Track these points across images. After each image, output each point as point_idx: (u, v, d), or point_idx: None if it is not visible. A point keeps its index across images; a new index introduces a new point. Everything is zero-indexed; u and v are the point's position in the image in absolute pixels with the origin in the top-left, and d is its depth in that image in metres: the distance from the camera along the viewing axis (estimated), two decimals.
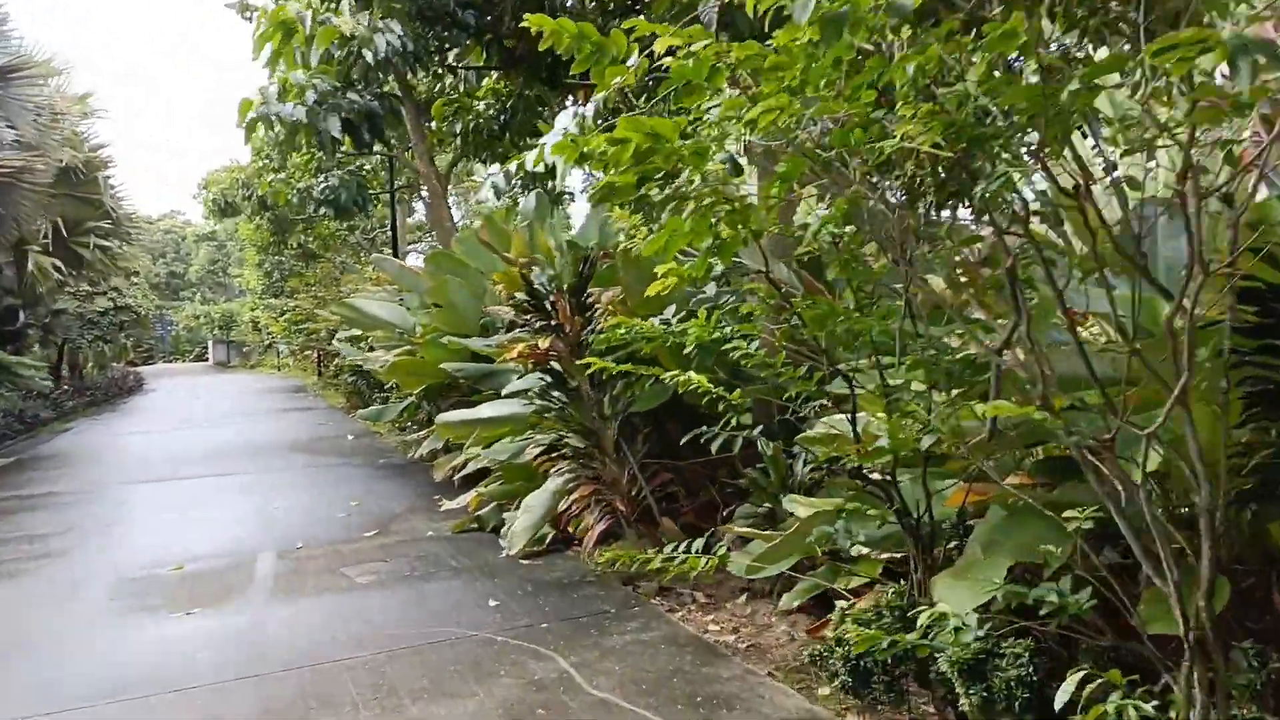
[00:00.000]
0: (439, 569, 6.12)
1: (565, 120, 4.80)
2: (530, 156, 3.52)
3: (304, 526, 7.73)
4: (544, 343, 5.24)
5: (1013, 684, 3.07)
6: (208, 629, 5.09)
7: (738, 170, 3.35)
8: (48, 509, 9.12)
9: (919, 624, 2.87)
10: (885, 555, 4.38)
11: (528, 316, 5.52)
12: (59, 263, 18.95)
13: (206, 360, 52.51)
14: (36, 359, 24.20)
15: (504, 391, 6.70)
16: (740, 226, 3.42)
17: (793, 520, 4.93)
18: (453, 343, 8.31)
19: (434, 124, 12.21)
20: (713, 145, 2.92)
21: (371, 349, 12.36)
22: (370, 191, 14.31)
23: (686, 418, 6.88)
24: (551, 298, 5.46)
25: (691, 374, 3.94)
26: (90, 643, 4.97)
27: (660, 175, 3.08)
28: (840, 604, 3.79)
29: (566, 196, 14.24)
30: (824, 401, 4.81)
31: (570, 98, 10.20)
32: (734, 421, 3.86)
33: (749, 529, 5.20)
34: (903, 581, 4.41)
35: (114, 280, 26.02)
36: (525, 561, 6.17)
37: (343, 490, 9.41)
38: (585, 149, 3.03)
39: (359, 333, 13.15)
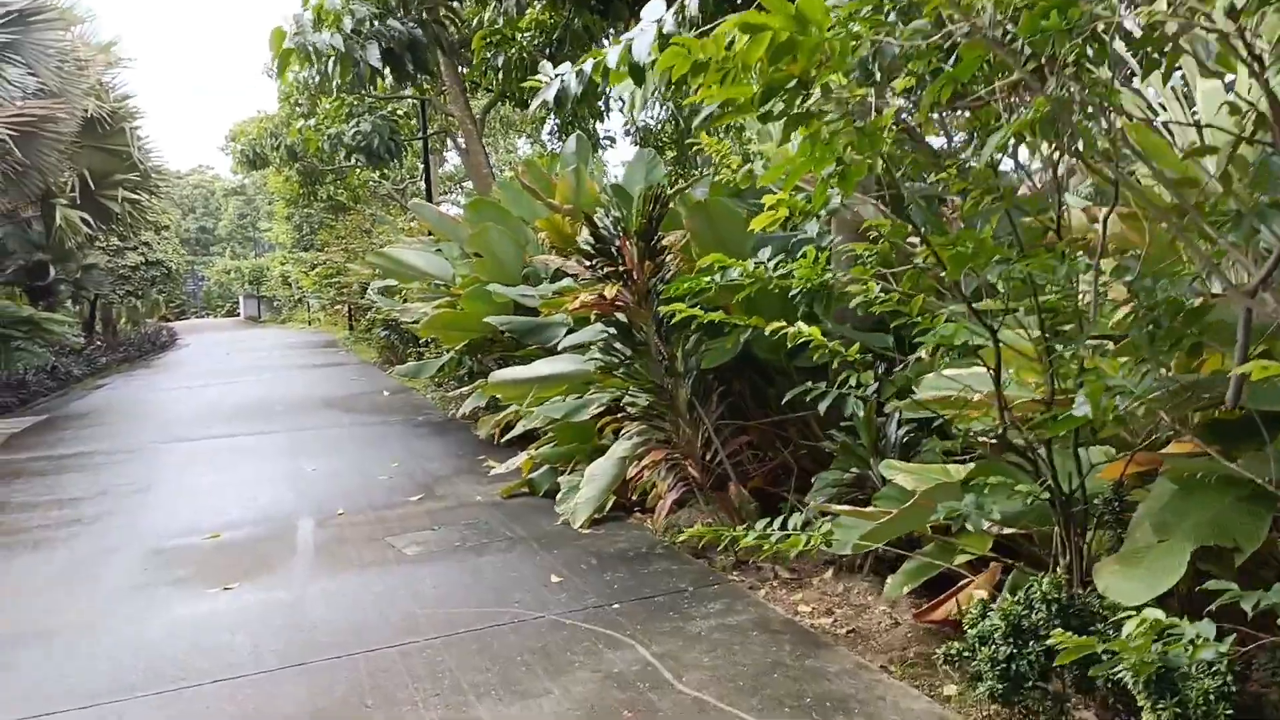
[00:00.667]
0: (492, 539, 5.65)
1: (656, 9, 4.12)
2: (613, 54, 2.94)
3: (343, 490, 7.29)
4: (610, 291, 4.70)
5: (1211, 697, 2.53)
6: (246, 607, 4.65)
7: (868, 78, 2.77)
8: (79, 470, 8.76)
9: (1130, 633, 2.33)
10: (994, 530, 3.86)
11: (590, 263, 4.97)
12: (87, 216, 18.59)
13: (238, 315, 52.50)
14: (69, 315, 24.05)
15: (560, 346, 6.16)
16: (868, 150, 2.85)
17: (891, 489, 4.41)
18: (498, 294, 7.79)
19: (470, 66, 11.59)
20: (866, 34, 2.32)
21: (406, 301, 11.88)
22: (402, 138, 13.76)
23: (756, 375, 6.35)
24: (617, 242, 4.91)
25: (802, 326, 3.38)
26: (119, 623, 4.54)
27: (790, 85, 2.50)
28: (976, 593, 3.26)
29: (606, 141, 13.64)
30: (919, 355, 4.27)
31: (621, 28, 9.52)
32: (852, 380, 3.31)
33: (835, 499, 4.68)
34: (1022, 563, 3.88)
35: (144, 235, 25.74)
36: (584, 531, 5.68)
37: (382, 450, 8.98)
38: (698, 52, 2.45)
39: (393, 284, 12.67)
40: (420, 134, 13.16)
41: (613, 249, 4.88)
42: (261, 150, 20.56)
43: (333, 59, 7.84)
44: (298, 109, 15.42)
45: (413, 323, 10.04)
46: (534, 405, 6.27)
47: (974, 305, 3.07)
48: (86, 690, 3.75)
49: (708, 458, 4.86)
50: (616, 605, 4.39)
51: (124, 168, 19.51)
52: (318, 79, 8.14)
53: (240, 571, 5.25)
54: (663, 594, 4.52)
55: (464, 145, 12.41)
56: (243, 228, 54.97)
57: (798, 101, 2.51)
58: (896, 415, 4.89)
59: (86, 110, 17.67)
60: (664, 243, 4.91)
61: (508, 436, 7.38)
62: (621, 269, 4.77)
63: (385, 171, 15.80)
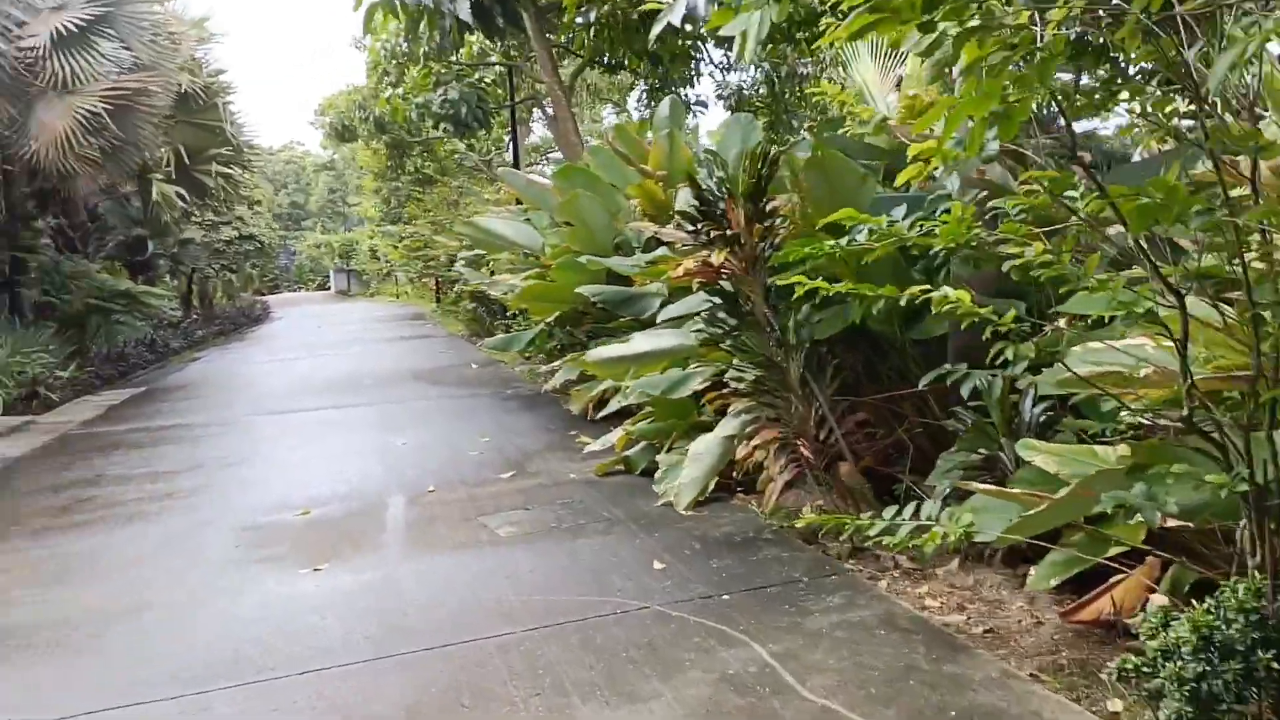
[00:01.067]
0: (589, 520, 5.38)
1: None
2: None
3: (433, 465, 7.12)
4: (718, 256, 4.34)
5: None
6: (337, 589, 4.46)
7: None
8: (174, 442, 8.79)
9: None
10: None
11: (693, 228, 4.61)
12: (183, 191, 18.91)
13: (328, 289, 53.57)
14: (167, 289, 24.67)
15: (660, 318, 5.82)
16: (1036, 82, 2.43)
17: (1029, 471, 3.99)
18: (592, 262, 7.48)
19: (557, 31, 11.27)
20: None
21: (493, 273, 11.69)
22: (489, 106, 13.56)
23: (867, 348, 5.93)
24: (722, 205, 4.54)
25: (948, 290, 2.97)
26: (209, 604, 4.39)
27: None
28: (1157, 599, 2.84)
29: (698, 107, 13.17)
30: (1055, 325, 3.82)
31: None
32: (1009, 353, 2.89)
33: (964, 481, 4.26)
34: (1186, 558, 3.44)
35: (238, 209, 26.24)
36: (686, 512, 5.37)
37: (471, 424, 8.80)
38: None
39: (481, 255, 12.50)
40: (508, 102, 12.92)
41: (717, 212, 4.51)
42: (350, 123, 20.63)
43: (421, 13, 7.57)
44: (386, 78, 15.37)
45: (502, 295, 9.82)
46: (630, 380, 5.96)
47: (1157, 266, 2.63)
48: (173, 676, 3.58)
49: (821, 437, 4.48)
50: (726, 596, 4.06)
51: (217, 143, 19.79)
52: (405, 42, 7.90)
53: (331, 550, 5.08)
54: (776, 584, 4.18)
55: (552, 112, 12.12)
56: (332, 202, 55.92)
57: (969, 11, 2.10)
58: (1032, 391, 4.45)
59: (180, 85, 17.90)
60: (773, 205, 4.52)
61: (602, 413, 7.09)
62: (728, 233, 4.40)
63: (472, 141, 15.62)
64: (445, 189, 22.24)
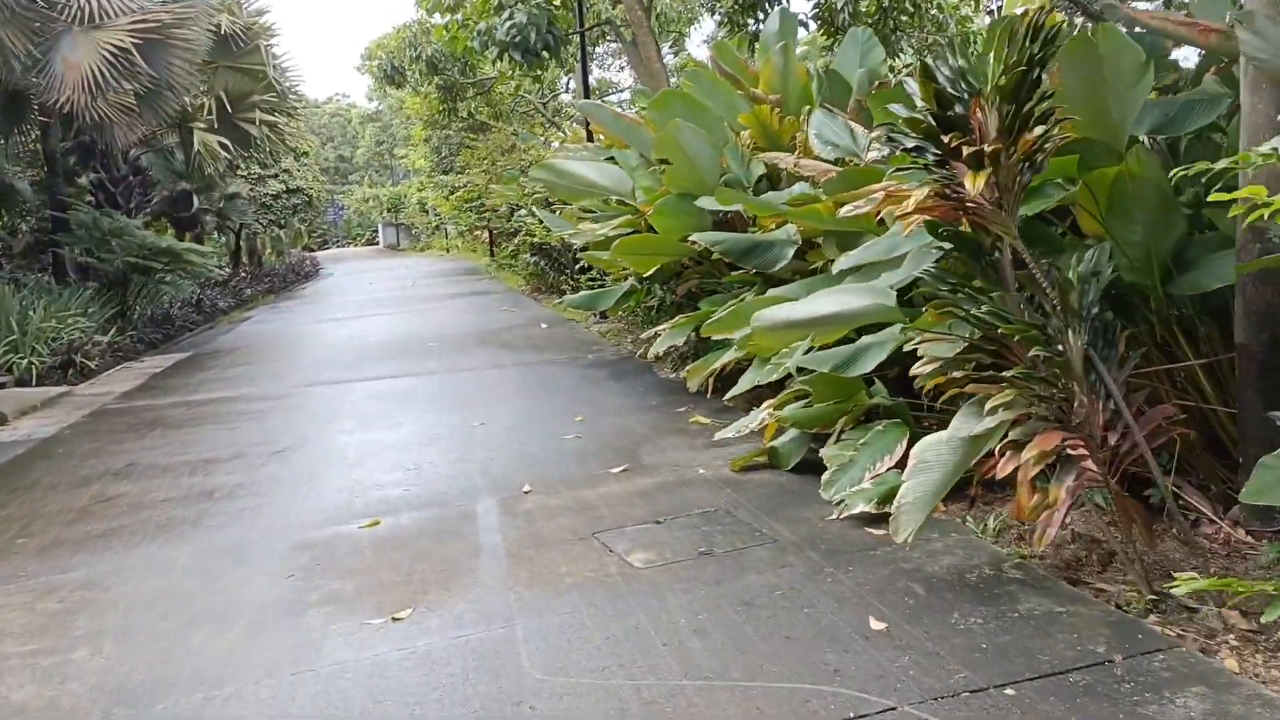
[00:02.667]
0: (748, 541, 4.06)
1: None
2: None
3: (523, 455, 5.85)
4: (975, 183, 2.92)
5: None
6: (430, 659, 3.19)
7: None
8: (217, 421, 7.63)
9: None
10: None
11: (921, 140, 3.20)
12: (226, 141, 17.71)
13: (377, 244, 52.63)
14: (215, 245, 23.67)
15: (837, 266, 4.40)
16: None
17: None
18: (725, 193, 6.06)
19: None
20: None
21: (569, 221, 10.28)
22: (560, 32, 12.07)
23: (1108, 307, 4.48)
24: (959, 109, 3.13)
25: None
26: (247, 683, 3.15)
27: None
28: None
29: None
30: None
31: None
32: None
33: None
34: None
35: (284, 162, 25.09)
36: (874, 531, 4.04)
37: (558, 399, 7.51)
38: None
39: (553, 202, 11.14)
40: (578, 28, 11.47)
41: (960, 118, 3.10)
42: (400, 64, 19.20)
43: None
44: (442, 4, 13.89)
45: (583, 249, 8.46)
46: (794, 350, 4.60)
47: None
48: None
49: (1115, 442, 3.10)
50: (1009, 690, 2.72)
51: (260, 88, 18.52)
52: None
53: (412, 588, 3.82)
54: (1073, 667, 2.82)
55: (632, 38, 10.67)
56: (379, 155, 54.74)
57: None
58: None
59: (219, 26, 16.66)
60: (1045, 106, 3.09)
61: (733, 393, 5.72)
62: (986, 148, 2.99)
63: (540, 74, 14.13)
64: (500, 135, 20.81)
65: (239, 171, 23.29)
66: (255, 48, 18.24)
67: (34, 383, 9.94)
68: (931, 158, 3.24)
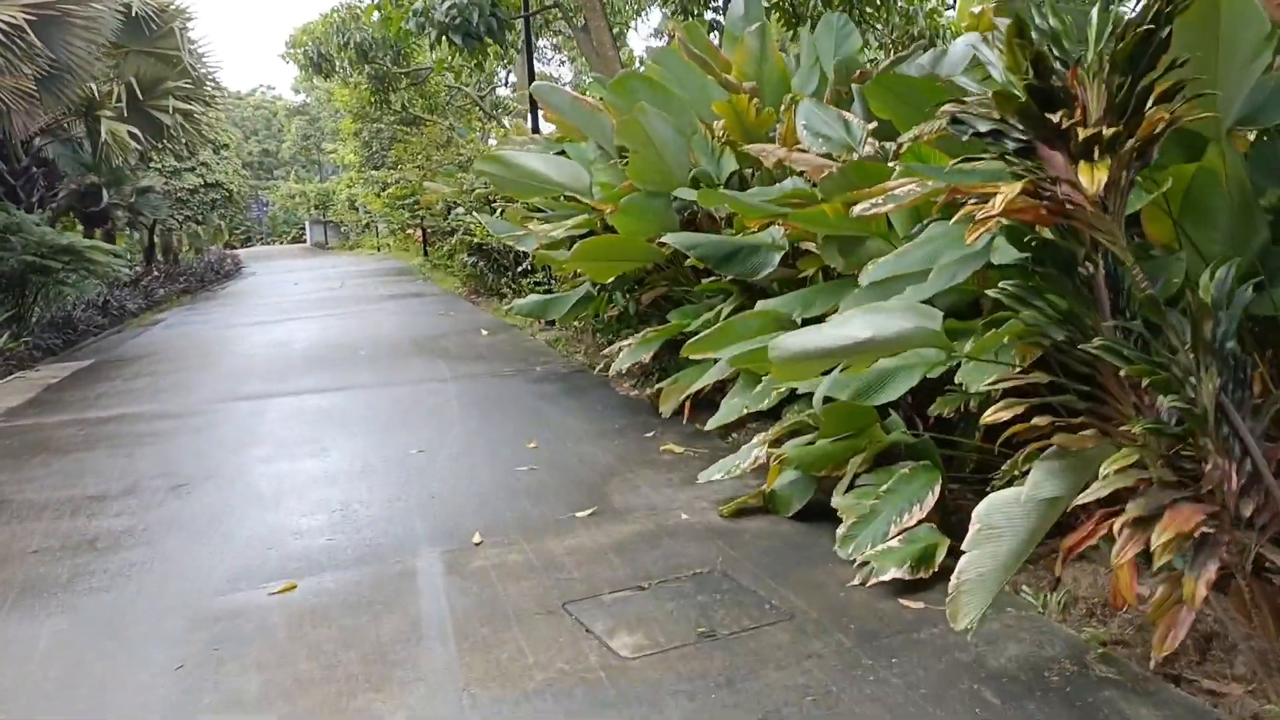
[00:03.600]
0: (756, 619, 3.29)
1: None
2: None
3: (470, 492, 5.02)
4: (1091, 176, 2.21)
5: None
6: None
7: None
8: (113, 445, 6.62)
9: None
10: None
11: (993, 128, 2.48)
12: (136, 130, 16.38)
13: (304, 242, 50.81)
14: (128, 243, 22.19)
15: (866, 279, 3.62)
16: None
17: None
18: (709, 195, 5.33)
19: None
20: None
21: (507, 219, 9.41)
22: (504, 16, 11.16)
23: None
24: (1058, 82, 2.42)
25: None
26: None
27: None
28: None
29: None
30: None
31: None
32: None
33: None
34: None
35: (202, 154, 23.66)
36: (910, 603, 3.31)
37: (508, 420, 6.67)
38: None
39: (494, 201, 10.27)
40: (523, 10, 10.61)
41: (1061, 93, 2.38)
42: (327, 52, 18.06)
43: None
44: None
45: (543, 250, 7.60)
46: (770, 371, 3.85)
47: None
48: None
49: (1246, 512, 2.41)
50: None
51: (175, 74, 17.27)
52: None
53: (334, 689, 2.98)
54: None
55: (583, 23, 9.86)
56: (306, 149, 52.82)
57: None
58: None
59: (129, 7, 15.43)
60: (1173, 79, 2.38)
61: (716, 422, 4.95)
62: (1104, 131, 2.28)
63: (480, 61, 13.17)
64: (435, 130, 19.78)
65: (152, 164, 21.89)
66: (170, 31, 17.02)
67: None
68: (1013, 145, 2.51)
